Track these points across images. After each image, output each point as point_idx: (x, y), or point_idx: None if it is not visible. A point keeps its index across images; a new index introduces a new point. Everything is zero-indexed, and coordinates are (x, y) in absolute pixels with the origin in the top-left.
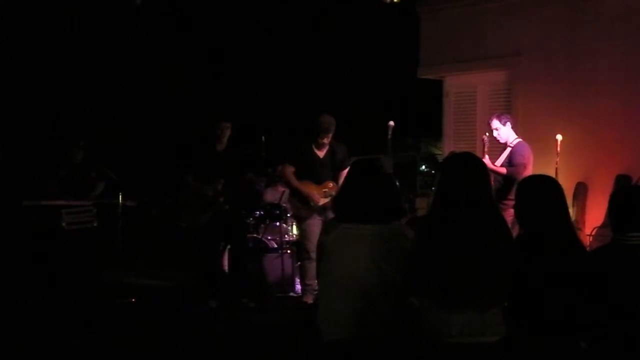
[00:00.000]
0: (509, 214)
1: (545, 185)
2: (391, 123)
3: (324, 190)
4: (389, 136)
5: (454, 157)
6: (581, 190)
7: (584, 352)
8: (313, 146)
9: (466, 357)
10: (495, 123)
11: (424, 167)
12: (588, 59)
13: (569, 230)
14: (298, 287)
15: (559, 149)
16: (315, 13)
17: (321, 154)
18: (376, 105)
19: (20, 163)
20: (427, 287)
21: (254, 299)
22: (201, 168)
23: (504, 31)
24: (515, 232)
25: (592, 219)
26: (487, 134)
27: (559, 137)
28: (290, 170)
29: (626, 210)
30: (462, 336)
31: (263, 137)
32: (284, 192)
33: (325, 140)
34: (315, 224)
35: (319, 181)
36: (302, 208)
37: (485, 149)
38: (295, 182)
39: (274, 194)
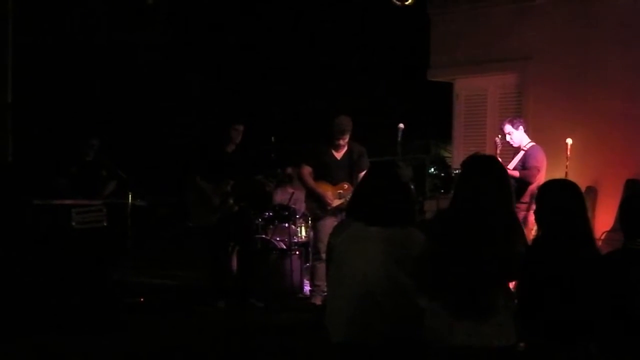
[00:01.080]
0: (520, 217)
1: (567, 190)
2: (401, 125)
3: (339, 191)
4: (399, 138)
5: (475, 158)
6: (591, 194)
7: (594, 357)
8: (330, 147)
9: None
10: (508, 128)
11: (433, 169)
12: (599, 63)
13: (587, 235)
14: (307, 288)
15: (569, 152)
16: (326, 14)
17: (339, 155)
18: (386, 108)
19: (32, 161)
20: (438, 289)
21: (262, 300)
22: (211, 169)
23: (514, 34)
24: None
25: (601, 223)
26: (500, 136)
27: (569, 140)
28: (307, 170)
29: (637, 216)
30: (469, 339)
31: (273, 138)
32: (293, 193)
33: (342, 142)
34: (329, 225)
35: (335, 182)
36: (317, 208)
37: (498, 152)
38: (310, 183)
39: (283, 195)
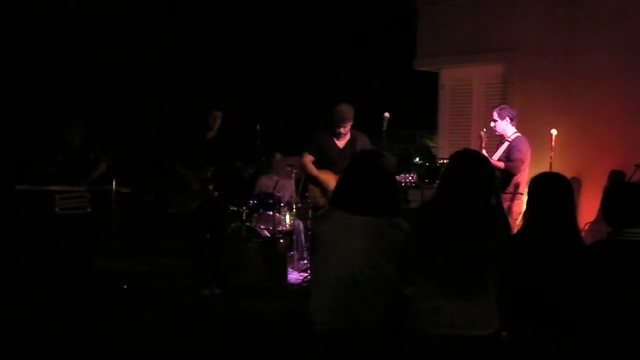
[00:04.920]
0: (505, 207)
1: (557, 183)
2: (386, 115)
3: None
4: (384, 128)
5: (462, 151)
6: (575, 185)
7: (578, 346)
8: (332, 136)
9: (457, 349)
10: (495, 115)
11: (418, 159)
12: (585, 55)
13: (572, 227)
14: (290, 276)
15: (553, 143)
16: (312, 3)
17: (341, 143)
18: (372, 97)
19: (18, 148)
20: (422, 275)
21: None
22: (191, 156)
23: (501, 25)
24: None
25: (585, 214)
26: (484, 130)
27: (554, 131)
28: (308, 158)
29: (621, 207)
30: (453, 327)
31: (258, 126)
32: (277, 181)
33: (342, 130)
34: None
35: (337, 171)
36: (320, 197)
37: (483, 145)
38: (312, 170)
39: (267, 183)
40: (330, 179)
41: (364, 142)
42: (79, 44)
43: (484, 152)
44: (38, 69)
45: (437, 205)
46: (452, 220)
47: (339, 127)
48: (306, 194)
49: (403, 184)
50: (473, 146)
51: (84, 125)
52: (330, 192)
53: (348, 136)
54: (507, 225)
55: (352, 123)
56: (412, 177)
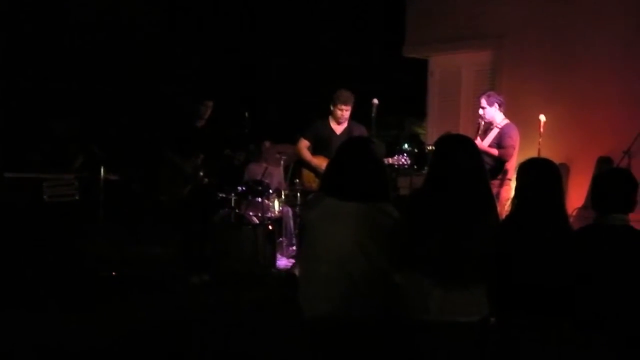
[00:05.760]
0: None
1: (546, 168)
2: (375, 101)
3: None
4: (373, 114)
5: (448, 137)
6: (563, 171)
7: (566, 331)
8: (330, 122)
9: (446, 335)
10: (483, 102)
11: (407, 146)
12: (572, 41)
13: (560, 212)
14: (279, 262)
15: (542, 129)
16: None
17: (338, 130)
18: (361, 83)
19: (2, 136)
20: (412, 261)
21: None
22: (181, 143)
23: (489, 12)
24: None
25: (573, 200)
26: (481, 118)
27: (542, 117)
28: (304, 144)
29: (608, 192)
30: (442, 314)
31: (246, 113)
32: (266, 168)
33: (344, 112)
34: None
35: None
36: (314, 181)
37: (479, 132)
38: (307, 155)
39: (256, 170)
40: (323, 164)
41: (360, 132)
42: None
43: (478, 139)
44: (25, 56)
45: (426, 193)
46: (441, 209)
47: (342, 108)
48: (296, 181)
49: (397, 166)
50: (462, 132)
51: (70, 112)
52: (321, 171)
53: (346, 124)
54: (495, 212)
55: (351, 110)
56: (405, 159)
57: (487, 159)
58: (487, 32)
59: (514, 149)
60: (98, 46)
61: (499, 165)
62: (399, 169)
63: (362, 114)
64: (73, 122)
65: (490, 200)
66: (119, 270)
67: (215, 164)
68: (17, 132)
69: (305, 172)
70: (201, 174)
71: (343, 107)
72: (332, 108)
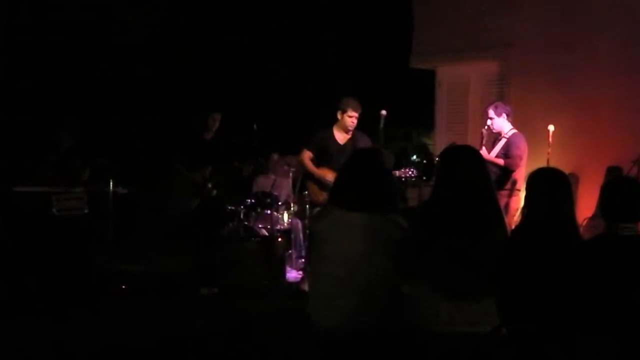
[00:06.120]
0: (502, 203)
1: (555, 178)
2: (383, 112)
3: None
4: (381, 126)
5: (452, 148)
6: (572, 181)
7: (577, 341)
8: (334, 131)
9: (456, 346)
10: (491, 113)
11: (415, 157)
12: (581, 50)
13: (570, 222)
14: (289, 275)
15: (550, 139)
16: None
17: (342, 140)
18: (368, 95)
19: (10, 148)
20: (421, 273)
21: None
22: (190, 156)
23: (497, 21)
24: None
25: (582, 209)
26: (486, 127)
27: (551, 127)
28: (307, 155)
29: (618, 202)
30: (452, 324)
31: (255, 126)
32: (275, 180)
33: (354, 119)
34: None
35: (336, 168)
36: (318, 193)
37: (483, 142)
38: (311, 167)
39: (265, 182)
40: (327, 174)
41: (365, 142)
42: (74, 41)
43: (483, 149)
44: (32, 67)
45: (433, 205)
46: (448, 220)
47: (352, 117)
48: (304, 193)
49: (403, 179)
50: (470, 143)
51: (78, 125)
52: (329, 185)
53: (350, 134)
54: (503, 222)
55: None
56: (412, 171)
57: (494, 169)
58: (494, 42)
59: (521, 159)
60: (106, 58)
61: (505, 175)
62: (408, 181)
63: (369, 125)
64: (80, 135)
65: (497, 211)
66: (129, 284)
67: (223, 176)
68: (24, 146)
69: (310, 185)
70: (209, 186)
71: (353, 114)
72: (340, 116)
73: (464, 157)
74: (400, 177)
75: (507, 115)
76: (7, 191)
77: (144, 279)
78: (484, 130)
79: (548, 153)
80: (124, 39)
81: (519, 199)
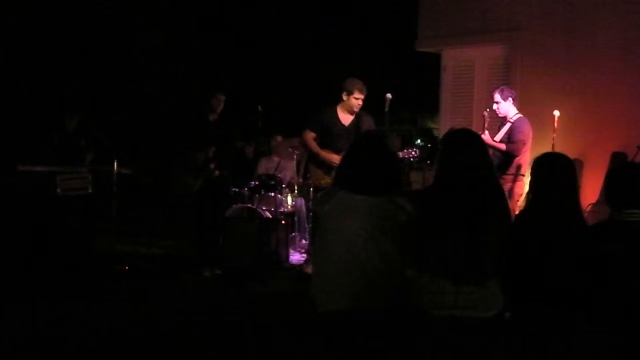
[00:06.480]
0: (506, 188)
1: (560, 163)
2: (388, 96)
3: None
4: (386, 109)
5: (453, 133)
6: (577, 166)
7: (580, 326)
8: (338, 112)
9: (460, 330)
10: (497, 97)
11: (419, 141)
12: (587, 35)
13: (575, 207)
14: (292, 257)
15: (556, 124)
16: None
17: (346, 121)
18: (373, 78)
19: (14, 127)
20: (425, 257)
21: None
22: (194, 136)
23: (503, 5)
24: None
25: (587, 195)
26: (488, 110)
27: (557, 112)
28: (310, 135)
29: (623, 188)
30: (456, 308)
31: (260, 107)
32: (279, 162)
33: (360, 100)
34: None
35: (339, 151)
36: (323, 177)
37: (486, 125)
38: (314, 147)
39: (268, 164)
40: (333, 157)
41: (369, 124)
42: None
43: (486, 132)
44: (37, 51)
45: (436, 189)
46: (451, 204)
47: (358, 98)
48: (308, 175)
49: (406, 160)
50: (475, 127)
51: (82, 106)
52: (334, 168)
53: (354, 115)
54: (506, 206)
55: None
56: (415, 152)
57: (497, 153)
58: (500, 25)
59: (524, 144)
60: (110, 40)
61: (509, 160)
62: (412, 164)
63: (375, 108)
64: (85, 116)
65: (500, 195)
66: (132, 264)
67: (227, 155)
68: (29, 126)
69: (313, 169)
70: (212, 166)
71: (360, 96)
72: (345, 97)
73: (464, 141)
74: (403, 158)
75: (513, 100)
76: (11, 170)
77: (147, 260)
78: (485, 113)
79: (553, 138)
80: (129, 19)
81: (524, 184)
